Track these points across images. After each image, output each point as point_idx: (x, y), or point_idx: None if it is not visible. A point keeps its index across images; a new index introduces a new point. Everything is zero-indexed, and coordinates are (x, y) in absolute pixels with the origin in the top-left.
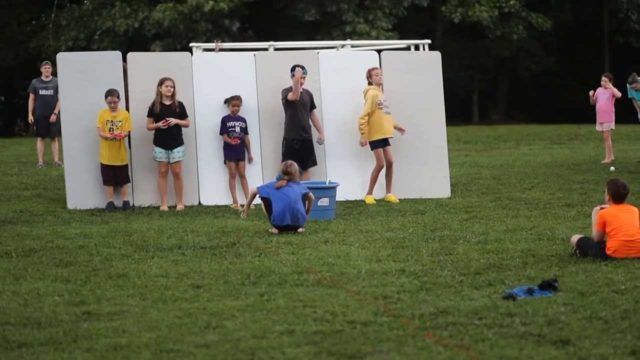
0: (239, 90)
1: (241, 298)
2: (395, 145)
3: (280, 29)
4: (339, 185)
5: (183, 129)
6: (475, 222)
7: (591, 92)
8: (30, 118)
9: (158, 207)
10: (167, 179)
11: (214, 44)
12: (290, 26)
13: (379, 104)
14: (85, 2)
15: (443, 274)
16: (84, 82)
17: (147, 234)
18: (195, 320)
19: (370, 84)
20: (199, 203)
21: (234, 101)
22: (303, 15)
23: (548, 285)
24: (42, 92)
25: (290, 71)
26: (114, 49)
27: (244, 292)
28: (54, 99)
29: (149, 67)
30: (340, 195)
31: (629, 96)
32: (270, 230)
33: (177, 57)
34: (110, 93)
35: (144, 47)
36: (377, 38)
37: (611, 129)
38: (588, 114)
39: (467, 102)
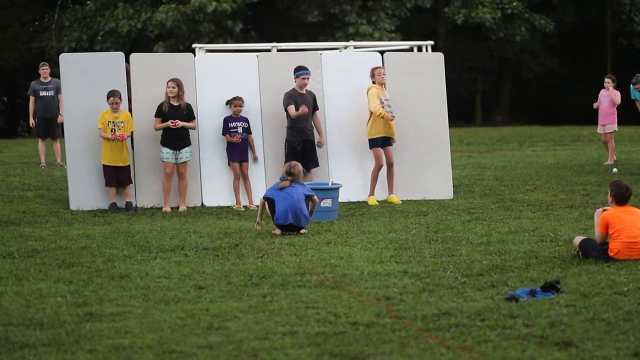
0: (242, 91)
1: (244, 299)
2: (397, 146)
3: (283, 30)
4: (341, 186)
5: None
6: (478, 223)
7: (595, 105)
8: (32, 121)
9: (161, 208)
10: (172, 180)
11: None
12: (293, 27)
13: (380, 102)
14: (88, 3)
15: (446, 275)
16: (86, 83)
17: (149, 235)
18: (198, 321)
19: (373, 83)
20: (202, 204)
21: (235, 101)
22: (306, 17)
23: (550, 287)
24: (42, 93)
25: (293, 73)
26: (116, 49)
27: (247, 293)
28: (54, 100)
29: (152, 68)
30: (343, 197)
31: (632, 97)
32: (273, 231)
33: (180, 58)
34: (112, 94)
35: (147, 48)
36: (380, 39)
37: (614, 130)
38: (591, 116)
39: (470, 104)
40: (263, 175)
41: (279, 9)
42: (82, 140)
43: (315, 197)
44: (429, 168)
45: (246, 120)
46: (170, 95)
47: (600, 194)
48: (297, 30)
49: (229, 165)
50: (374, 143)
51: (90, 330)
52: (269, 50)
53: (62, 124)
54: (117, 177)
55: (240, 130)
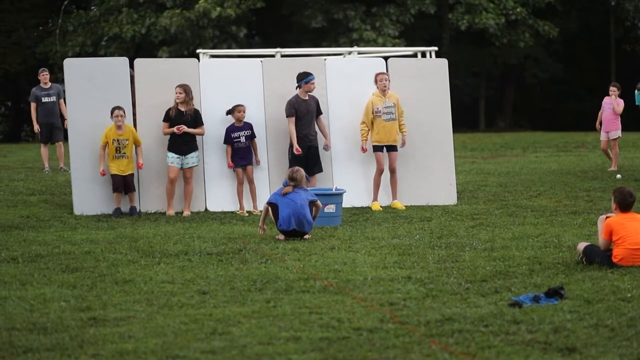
0: (246, 97)
1: (247, 304)
2: (402, 151)
3: (287, 35)
4: (345, 191)
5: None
6: (482, 229)
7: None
8: (37, 127)
9: (164, 213)
10: (176, 185)
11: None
12: (297, 33)
13: (377, 112)
14: (92, 8)
15: (449, 281)
16: (90, 88)
17: (153, 240)
18: (202, 326)
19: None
20: (205, 209)
21: (238, 108)
22: (310, 22)
23: (554, 293)
24: (44, 99)
25: (297, 80)
26: (120, 55)
27: (250, 299)
28: (56, 106)
29: (156, 73)
30: (347, 202)
31: (637, 103)
32: (276, 236)
33: (184, 64)
34: (117, 108)
35: (151, 53)
36: (383, 45)
37: (618, 137)
38: (594, 122)
39: (474, 109)
40: (267, 181)
41: (283, 15)
42: (86, 145)
43: (319, 202)
44: (432, 174)
45: (249, 127)
46: (177, 100)
47: (604, 200)
48: (300, 36)
49: (233, 170)
50: (375, 148)
51: (94, 335)
52: (272, 56)
53: (64, 129)
54: (124, 184)
55: (243, 140)
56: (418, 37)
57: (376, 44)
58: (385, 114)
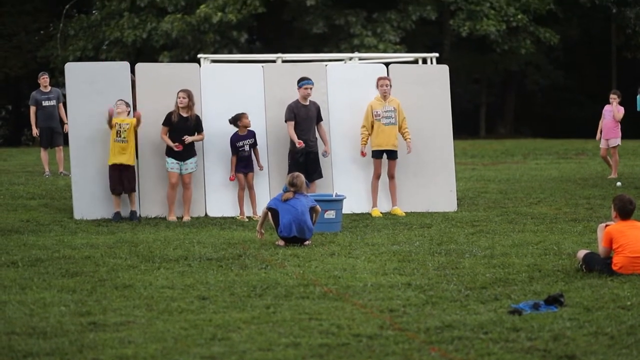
0: (247, 102)
1: (247, 310)
2: (402, 158)
3: (288, 41)
4: (345, 198)
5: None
6: (482, 236)
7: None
8: (35, 131)
9: (165, 218)
10: (177, 190)
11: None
12: (298, 38)
13: (377, 115)
14: (93, 12)
15: (449, 287)
16: (91, 93)
17: (153, 245)
18: (201, 331)
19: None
20: (206, 214)
21: (243, 118)
22: (311, 28)
23: (554, 300)
24: (45, 103)
25: (297, 83)
26: (121, 59)
27: (250, 304)
28: (56, 110)
29: (157, 78)
30: (347, 208)
31: (638, 109)
32: (276, 242)
33: (185, 68)
34: (120, 100)
35: (152, 57)
36: (384, 51)
37: (618, 144)
38: (595, 129)
39: (475, 116)
40: (267, 186)
41: (284, 20)
42: (86, 150)
43: (318, 207)
44: (432, 180)
45: (252, 134)
46: (180, 105)
47: (604, 207)
48: (302, 41)
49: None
50: (375, 154)
51: (94, 339)
52: (273, 61)
53: (64, 133)
54: (122, 182)
55: (247, 148)
56: (419, 44)
57: (377, 50)
58: (384, 117)
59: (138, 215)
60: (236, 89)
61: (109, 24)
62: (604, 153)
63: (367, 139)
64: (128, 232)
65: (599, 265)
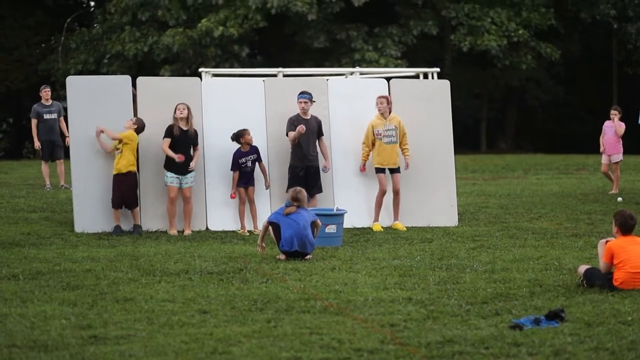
0: (248, 116)
1: (248, 324)
2: (403, 173)
3: (289, 55)
4: (346, 212)
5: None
6: (483, 251)
7: (601, 150)
8: (38, 144)
9: (166, 232)
10: (177, 204)
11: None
12: (299, 53)
13: (378, 134)
14: (95, 25)
15: (450, 302)
16: (93, 106)
17: (154, 259)
18: (202, 345)
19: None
20: (207, 228)
21: (245, 135)
22: (312, 42)
23: (555, 316)
24: (46, 116)
25: (297, 96)
26: (123, 73)
27: (251, 318)
28: (57, 123)
29: (158, 92)
30: (348, 223)
31: (639, 123)
32: (277, 256)
33: (186, 82)
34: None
35: (153, 71)
36: (386, 66)
37: (620, 160)
38: (596, 145)
39: (475, 131)
40: (268, 200)
41: (286, 35)
42: (87, 163)
43: (319, 222)
44: (434, 195)
45: (255, 150)
46: (179, 116)
47: (605, 222)
48: (303, 56)
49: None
50: (377, 169)
51: (95, 353)
52: (275, 76)
53: (65, 147)
54: (123, 195)
55: (249, 164)
56: (420, 58)
57: (378, 65)
58: (385, 136)
59: (140, 229)
60: (237, 103)
61: (110, 37)
62: (606, 169)
63: (368, 155)
64: (129, 246)
65: (599, 280)
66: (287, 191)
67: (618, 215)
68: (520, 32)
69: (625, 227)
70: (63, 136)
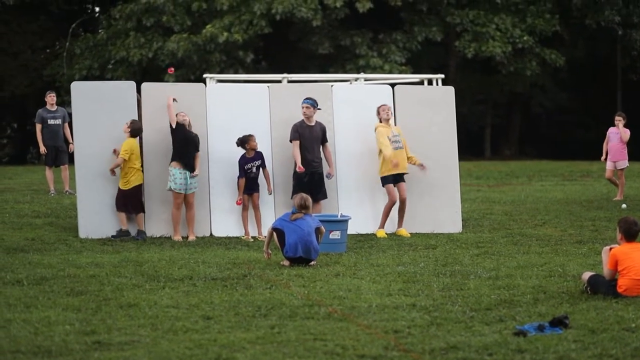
0: (253, 122)
1: (252, 330)
2: (407, 179)
3: (293, 61)
4: (350, 218)
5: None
6: (487, 257)
7: (602, 158)
8: (43, 149)
9: (170, 237)
10: (181, 209)
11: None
12: (304, 59)
13: (391, 131)
14: (99, 31)
15: (454, 309)
16: (97, 112)
17: (158, 264)
18: (206, 351)
19: (380, 120)
20: (211, 234)
21: (251, 140)
22: (317, 48)
23: (559, 322)
24: (50, 121)
25: (301, 103)
26: (127, 78)
27: (255, 324)
28: (61, 129)
29: (163, 97)
30: (352, 229)
31: None
32: (281, 262)
33: (191, 88)
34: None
35: (158, 77)
36: (390, 72)
37: (626, 166)
38: (600, 151)
39: (480, 137)
40: (272, 205)
41: (290, 40)
42: (92, 169)
43: (323, 228)
44: (438, 201)
45: (260, 156)
46: (182, 120)
47: (609, 229)
48: (307, 62)
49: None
50: (385, 180)
51: (98, 358)
52: (279, 81)
53: (69, 152)
54: (132, 203)
55: (254, 170)
56: (425, 65)
57: (383, 71)
58: (394, 142)
59: (144, 236)
60: (242, 109)
61: (115, 43)
62: (610, 174)
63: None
64: (133, 251)
65: (603, 287)
66: (292, 197)
67: (622, 222)
68: (525, 38)
69: (630, 234)
70: (67, 142)
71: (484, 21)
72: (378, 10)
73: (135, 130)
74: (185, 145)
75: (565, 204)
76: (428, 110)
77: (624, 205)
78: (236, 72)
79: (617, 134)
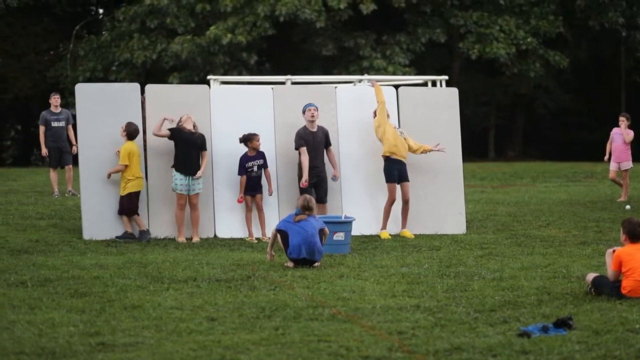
0: (257, 124)
1: (256, 331)
2: (411, 180)
3: (297, 62)
4: (354, 219)
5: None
6: (491, 258)
7: (606, 158)
8: (45, 151)
9: (174, 239)
10: (185, 211)
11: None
12: (308, 60)
13: (394, 126)
14: (103, 33)
15: (458, 310)
16: (101, 113)
17: (162, 266)
18: (210, 353)
19: None
20: (215, 235)
21: (254, 139)
22: (320, 50)
23: (563, 323)
24: (54, 123)
25: (302, 110)
26: (131, 80)
27: (259, 326)
28: (65, 130)
29: (167, 99)
30: (356, 230)
31: None
32: (285, 264)
33: (194, 90)
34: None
35: (162, 79)
36: (394, 73)
37: (630, 167)
38: (604, 152)
39: (484, 139)
40: (276, 207)
41: (294, 42)
42: (96, 170)
43: (327, 229)
44: (442, 203)
45: (262, 155)
46: (185, 121)
47: (613, 230)
48: (311, 63)
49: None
50: (389, 178)
51: None
52: (283, 83)
53: (73, 154)
54: (126, 207)
55: (255, 169)
56: (428, 66)
57: (386, 73)
58: (398, 130)
59: (147, 237)
60: (246, 110)
61: (119, 44)
62: (614, 175)
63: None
64: (137, 253)
65: (607, 288)
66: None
67: (626, 223)
68: (528, 40)
69: (634, 235)
70: (71, 144)
71: (488, 23)
72: (382, 11)
73: (131, 132)
74: (185, 149)
75: (569, 205)
76: (432, 111)
77: (628, 207)
78: (240, 74)
79: (621, 135)
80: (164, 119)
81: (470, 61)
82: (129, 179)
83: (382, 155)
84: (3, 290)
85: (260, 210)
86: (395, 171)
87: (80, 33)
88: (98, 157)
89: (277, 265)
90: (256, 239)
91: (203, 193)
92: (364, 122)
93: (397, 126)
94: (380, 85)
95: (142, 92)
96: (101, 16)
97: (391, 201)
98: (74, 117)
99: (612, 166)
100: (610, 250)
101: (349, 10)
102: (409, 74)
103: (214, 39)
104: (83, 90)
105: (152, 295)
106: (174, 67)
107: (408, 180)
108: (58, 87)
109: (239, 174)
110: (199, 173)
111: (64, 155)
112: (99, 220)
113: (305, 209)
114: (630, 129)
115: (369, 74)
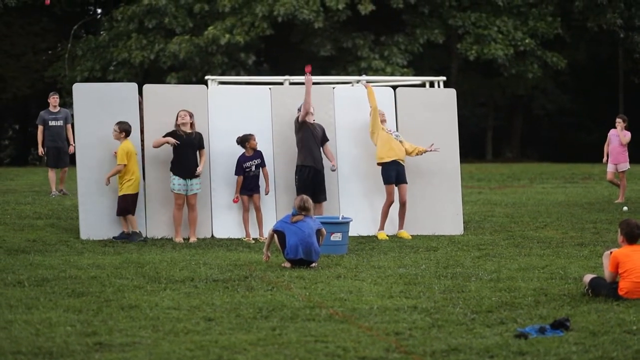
0: (254, 124)
1: (253, 332)
2: (408, 181)
3: (295, 63)
4: (352, 220)
5: (199, 158)
6: (488, 259)
7: (604, 160)
8: (41, 150)
9: (171, 239)
10: (182, 211)
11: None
12: (306, 61)
13: (388, 130)
14: (101, 33)
15: (455, 311)
16: (99, 113)
17: (159, 266)
18: (207, 353)
19: None
20: (212, 236)
21: (251, 140)
22: (318, 50)
23: (560, 325)
24: (52, 123)
25: (297, 110)
26: (129, 80)
27: (256, 326)
28: (63, 130)
29: (165, 99)
30: (353, 231)
31: None
32: (283, 264)
33: (192, 90)
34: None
35: (159, 78)
36: (392, 74)
37: (627, 168)
38: (602, 153)
39: (481, 140)
40: (274, 207)
41: (292, 42)
42: (94, 170)
43: (324, 230)
44: (439, 203)
45: (259, 155)
46: (181, 122)
47: (611, 232)
48: (309, 64)
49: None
50: (387, 180)
51: None
52: (281, 83)
53: (71, 154)
54: (121, 207)
55: (253, 169)
56: (426, 67)
57: (384, 73)
58: (393, 133)
59: (138, 237)
60: (243, 111)
61: (117, 44)
62: (611, 176)
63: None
64: (134, 253)
65: (605, 289)
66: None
67: (624, 225)
68: (526, 41)
69: (631, 236)
70: (69, 143)
71: (486, 24)
72: (380, 12)
73: (127, 130)
74: (182, 152)
75: (566, 207)
76: (430, 112)
77: (625, 208)
78: (238, 74)
79: (618, 137)
80: (167, 142)
81: (468, 62)
82: (127, 179)
83: (377, 164)
84: (0, 290)
85: (257, 210)
86: (393, 172)
87: (79, 33)
88: (95, 157)
89: (275, 265)
90: (253, 239)
91: (201, 194)
92: (361, 122)
93: (394, 130)
94: (378, 86)
95: (140, 92)
96: (99, 16)
97: (389, 203)
98: (73, 116)
99: (610, 167)
100: (608, 251)
101: (347, 11)
102: (407, 75)
103: (212, 39)
104: (81, 90)
105: (149, 296)
106: (171, 67)
107: (406, 183)
108: (56, 87)
109: (236, 174)
110: (199, 169)
111: (61, 155)
112: (97, 220)
113: (302, 209)
114: (628, 130)
115: (367, 74)
